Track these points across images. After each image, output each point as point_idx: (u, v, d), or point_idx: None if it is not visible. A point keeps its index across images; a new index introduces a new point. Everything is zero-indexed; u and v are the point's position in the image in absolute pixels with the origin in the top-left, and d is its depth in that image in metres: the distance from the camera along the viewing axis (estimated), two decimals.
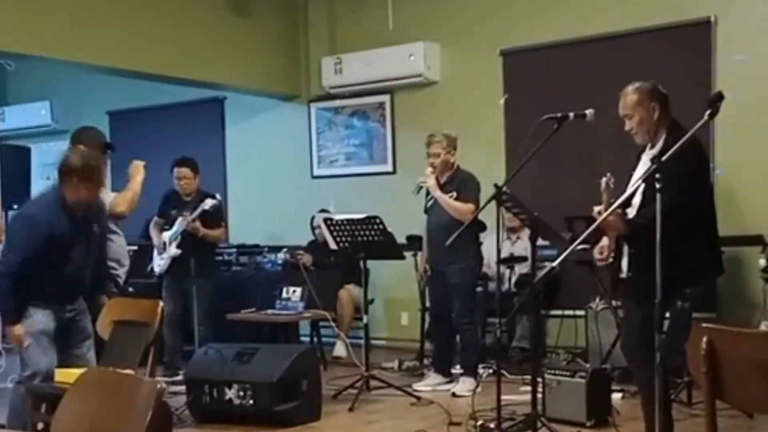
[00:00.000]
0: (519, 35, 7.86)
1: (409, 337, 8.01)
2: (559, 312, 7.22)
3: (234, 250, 8.44)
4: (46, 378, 4.46)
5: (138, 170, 5.67)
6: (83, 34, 7.21)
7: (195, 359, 5.90)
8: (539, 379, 5.12)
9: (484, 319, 6.84)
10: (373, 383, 6.27)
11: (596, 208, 4.20)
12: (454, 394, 6.22)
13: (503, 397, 4.88)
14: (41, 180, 9.18)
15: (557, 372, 5.34)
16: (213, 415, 5.54)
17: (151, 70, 7.88)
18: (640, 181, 3.85)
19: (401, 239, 7.02)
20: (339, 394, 6.15)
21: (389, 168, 8.75)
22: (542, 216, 5.16)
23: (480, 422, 5.07)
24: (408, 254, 7.09)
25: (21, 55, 7.40)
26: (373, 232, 6.20)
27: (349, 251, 6.44)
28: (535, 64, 7.74)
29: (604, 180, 4.22)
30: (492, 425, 4.91)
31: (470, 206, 6.15)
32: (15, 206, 7.14)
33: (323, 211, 7.89)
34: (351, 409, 5.84)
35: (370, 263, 6.75)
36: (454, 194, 6.30)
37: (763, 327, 5.96)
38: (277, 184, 9.37)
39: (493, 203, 4.93)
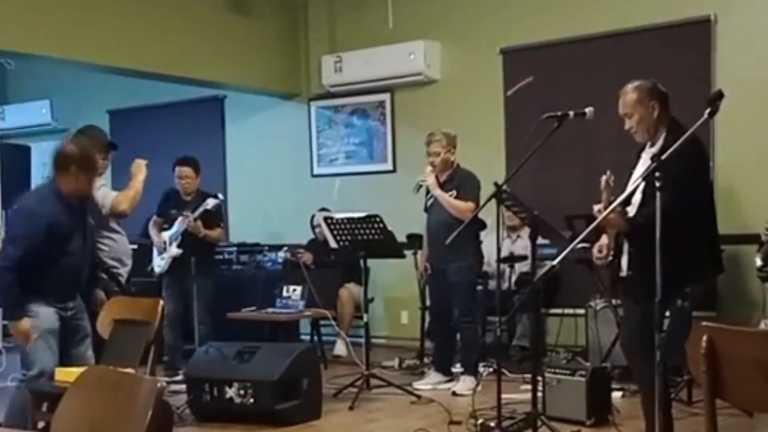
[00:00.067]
0: (519, 34, 7.86)
1: (409, 335, 8.01)
2: (559, 311, 7.23)
3: (234, 248, 8.43)
4: (48, 377, 4.44)
5: (140, 169, 5.66)
6: (83, 33, 7.20)
7: (195, 358, 5.90)
8: (539, 378, 5.11)
9: (484, 317, 6.83)
10: (374, 382, 6.28)
11: (596, 207, 4.18)
12: (454, 393, 6.22)
13: (503, 395, 4.89)
14: (41, 179, 9.14)
15: (557, 371, 5.34)
16: (213, 413, 5.54)
17: (151, 69, 7.88)
18: (640, 180, 3.85)
19: (401, 238, 7.02)
20: (339, 393, 6.15)
21: (389, 167, 8.74)
22: (542, 214, 5.14)
23: (480, 421, 5.08)
24: (408, 253, 7.10)
25: (21, 54, 7.39)
26: (373, 231, 6.20)
27: (349, 250, 6.43)
28: (535, 63, 7.73)
29: (604, 178, 4.21)
30: (492, 424, 4.92)
31: (470, 205, 6.15)
32: (15, 206, 7.12)
33: (323, 209, 7.88)
34: (351, 408, 5.84)
35: (371, 262, 6.74)
36: (454, 193, 6.30)
37: (763, 326, 5.95)
38: (277, 182, 9.37)
39: (493, 202, 4.93)
